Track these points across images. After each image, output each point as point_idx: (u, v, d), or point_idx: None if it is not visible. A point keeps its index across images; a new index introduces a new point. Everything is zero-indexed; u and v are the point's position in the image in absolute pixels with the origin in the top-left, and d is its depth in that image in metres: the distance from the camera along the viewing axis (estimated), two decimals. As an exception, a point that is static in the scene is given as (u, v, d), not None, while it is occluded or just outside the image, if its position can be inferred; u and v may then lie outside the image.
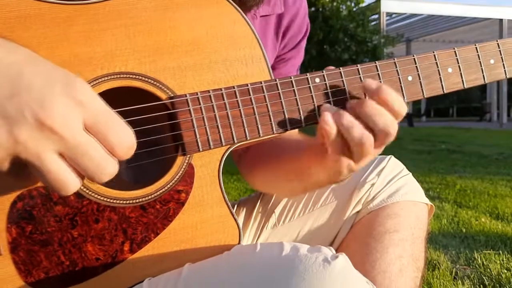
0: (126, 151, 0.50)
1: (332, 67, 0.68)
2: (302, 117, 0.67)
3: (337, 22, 12.25)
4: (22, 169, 0.47)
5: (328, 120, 0.62)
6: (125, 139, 0.49)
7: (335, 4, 12.65)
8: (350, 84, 0.68)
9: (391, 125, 0.63)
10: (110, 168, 0.48)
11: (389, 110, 0.63)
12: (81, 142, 0.46)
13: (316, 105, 0.67)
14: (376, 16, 15.58)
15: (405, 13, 16.75)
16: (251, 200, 1.02)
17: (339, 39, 12.21)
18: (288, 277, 0.52)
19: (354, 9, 13.16)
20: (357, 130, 0.62)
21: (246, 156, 0.90)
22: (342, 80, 0.67)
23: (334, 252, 0.58)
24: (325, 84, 0.67)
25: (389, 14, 16.57)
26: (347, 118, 0.62)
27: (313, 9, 12.45)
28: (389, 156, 0.95)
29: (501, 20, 17.46)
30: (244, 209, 1.00)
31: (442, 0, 16.59)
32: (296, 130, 0.92)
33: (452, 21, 17.57)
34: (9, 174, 0.48)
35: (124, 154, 0.50)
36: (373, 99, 0.64)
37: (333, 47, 12.23)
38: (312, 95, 0.67)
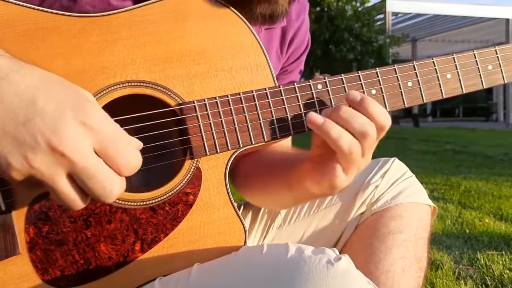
0: (132, 170, 0.53)
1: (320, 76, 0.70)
2: (305, 122, 0.69)
3: (342, 22, 12.25)
4: (36, 184, 0.51)
5: (314, 117, 0.64)
6: (131, 159, 0.53)
7: (340, 4, 12.64)
8: (351, 90, 0.70)
9: (369, 126, 0.64)
10: (115, 189, 0.52)
11: (372, 121, 0.65)
12: (89, 166, 0.50)
13: (318, 111, 0.69)
14: (381, 16, 15.54)
15: (410, 13, 16.69)
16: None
17: (344, 39, 12.21)
18: (293, 278, 0.55)
19: (360, 9, 13.15)
20: (344, 137, 0.64)
21: (240, 169, 0.92)
22: (344, 87, 0.70)
23: (338, 253, 0.60)
24: (328, 90, 0.69)
25: (394, 14, 16.52)
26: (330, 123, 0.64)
27: (318, 9, 12.45)
28: (393, 158, 0.97)
29: (507, 20, 17.34)
30: (251, 210, 1.02)
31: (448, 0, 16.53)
32: (290, 143, 0.95)
33: (458, 21, 17.48)
34: (24, 188, 0.53)
35: (130, 173, 0.53)
36: (357, 110, 0.65)
37: (338, 47, 12.23)
38: (315, 101, 0.69)
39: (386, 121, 0.66)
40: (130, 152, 0.53)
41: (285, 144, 0.94)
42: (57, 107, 0.49)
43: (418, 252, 0.86)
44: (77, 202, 0.52)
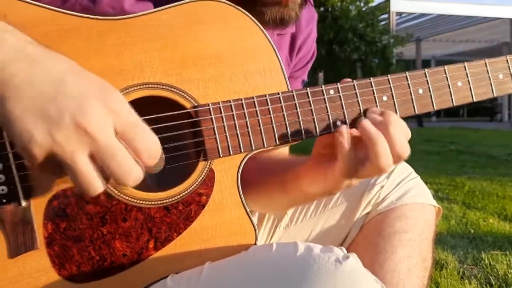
0: (151, 157, 0.54)
1: (349, 80, 0.72)
2: (317, 127, 0.71)
3: (346, 22, 12.20)
4: (55, 167, 0.52)
5: (343, 132, 0.67)
6: (150, 146, 0.54)
7: (344, 4, 12.60)
8: (363, 96, 0.71)
9: (406, 152, 0.67)
10: (135, 174, 0.53)
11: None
12: (111, 145, 0.51)
13: (330, 116, 0.71)
14: (385, 16, 15.47)
15: (414, 13, 16.63)
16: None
17: (348, 39, 12.17)
18: (303, 276, 0.57)
19: (364, 9, 13.09)
20: (382, 145, 0.65)
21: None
22: (356, 93, 0.71)
23: (346, 252, 0.62)
24: (339, 96, 0.71)
25: (398, 14, 16.45)
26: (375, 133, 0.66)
27: (322, 9, 12.42)
28: None
29: (511, 19, 17.26)
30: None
31: (452, -1, 16.44)
32: (287, 150, 0.96)
33: (462, 21, 17.39)
34: (43, 170, 0.53)
35: (149, 160, 0.54)
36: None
37: (342, 47, 12.19)
38: (326, 106, 0.71)
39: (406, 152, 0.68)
40: (149, 138, 0.55)
41: (282, 150, 0.96)
42: (83, 88, 0.51)
43: (423, 252, 0.87)
44: (95, 185, 0.52)
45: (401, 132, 0.66)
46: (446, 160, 5.72)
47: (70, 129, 0.49)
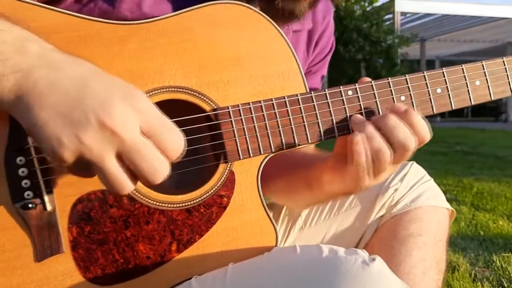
0: (177, 152, 0.55)
1: (368, 79, 0.72)
2: (336, 128, 0.71)
3: (351, 22, 12.20)
4: (85, 169, 0.53)
5: (359, 141, 0.67)
6: (176, 142, 0.54)
7: (349, 4, 12.59)
8: (381, 97, 0.72)
9: (410, 140, 0.67)
10: (163, 170, 0.53)
11: (414, 133, 0.68)
12: (138, 143, 0.51)
13: (349, 117, 0.71)
14: (390, 16, 15.45)
15: (419, 13, 16.59)
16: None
17: (353, 39, 12.16)
18: (332, 277, 0.57)
19: (368, 9, 13.08)
20: (376, 141, 0.67)
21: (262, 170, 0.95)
22: (374, 93, 0.72)
23: (368, 255, 0.62)
24: (358, 97, 0.71)
25: (403, 14, 16.41)
26: (369, 129, 0.67)
27: (326, 9, 12.39)
28: (411, 162, 0.98)
29: (517, 19, 17.16)
30: (272, 212, 1.05)
31: (457, -1, 16.39)
32: (312, 145, 0.97)
33: (467, 21, 17.32)
34: (73, 173, 0.54)
35: (175, 156, 0.55)
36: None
37: (347, 47, 12.18)
38: (345, 107, 0.71)
39: (427, 135, 0.69)
40: (174, 134, 0.55)
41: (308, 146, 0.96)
42: (106, 89, 0.52)
43: (438, 254, 0.88)
44: (124, 184, 0.52)
45: (397, 122, 0.67)
46: (452, 161, 5.69)
47: (96, 129, 0.50)
